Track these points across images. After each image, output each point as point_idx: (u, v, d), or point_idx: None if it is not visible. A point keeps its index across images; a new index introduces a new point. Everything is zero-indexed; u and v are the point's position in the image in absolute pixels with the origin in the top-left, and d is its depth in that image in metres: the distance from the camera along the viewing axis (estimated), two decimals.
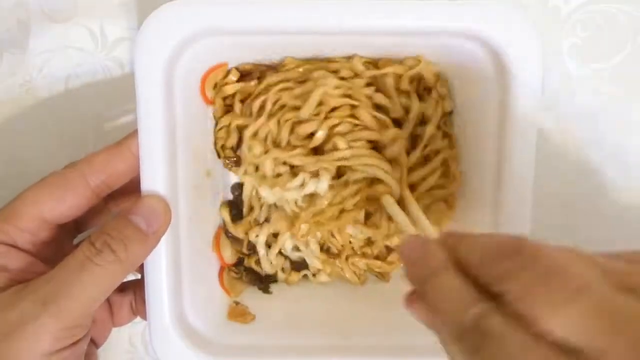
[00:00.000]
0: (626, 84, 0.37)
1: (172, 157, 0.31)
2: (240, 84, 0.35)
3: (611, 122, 0.38)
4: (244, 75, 0.36)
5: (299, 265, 0.38)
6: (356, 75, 0.35)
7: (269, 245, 0.37)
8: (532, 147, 0.31)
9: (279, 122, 0.34)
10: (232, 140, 0.36)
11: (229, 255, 0.38)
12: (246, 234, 0.37)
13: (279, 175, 0.36)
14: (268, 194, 0.36)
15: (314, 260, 0.38)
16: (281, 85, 0.34)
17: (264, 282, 0.38)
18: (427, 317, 0.24)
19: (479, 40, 0.31)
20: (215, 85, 0.35)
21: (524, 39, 0.30)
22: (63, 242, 0.32)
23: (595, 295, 0.19)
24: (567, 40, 0.37)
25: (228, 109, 0.36)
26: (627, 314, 0.19)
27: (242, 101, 0.36)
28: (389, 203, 0.34)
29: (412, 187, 0.36)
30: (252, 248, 0.38)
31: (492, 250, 0.21)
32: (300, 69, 0.35)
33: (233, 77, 0.35)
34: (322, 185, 0.35)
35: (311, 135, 0.34)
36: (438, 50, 0.33)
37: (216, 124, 0.36)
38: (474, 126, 0.34)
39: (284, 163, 0.35)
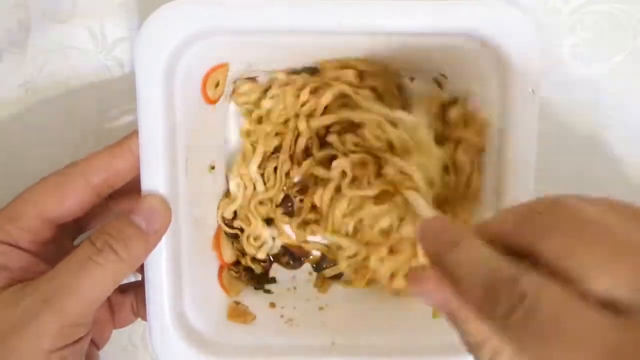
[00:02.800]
0: (626, 84, 0.38)
1: (172, 156, 0.31)
2: None
3: (611, 122, 0.38)
4: None
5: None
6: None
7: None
8: (532, 147, 0.31)
9: None
10: None
11: (229, 255, 0.38)
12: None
13: None
14: None
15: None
16: None
17: (260, 282, 0.38)
18: (439, 294, 0.22)
19: (479, 40, 0.31)
20: (217, 84, 0.35)
21: (524, 38, 0.30)
22: (64, 241, 0.32)
23: None
24: (567, 40, 0.37)
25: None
26: None
27: None
28: (415, 198, 0.32)
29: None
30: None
31: (525, 212, 0.20)
32: None
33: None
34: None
35: None
36: (438, 50, 0.33)
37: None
38: None
39: None
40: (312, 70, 0.36)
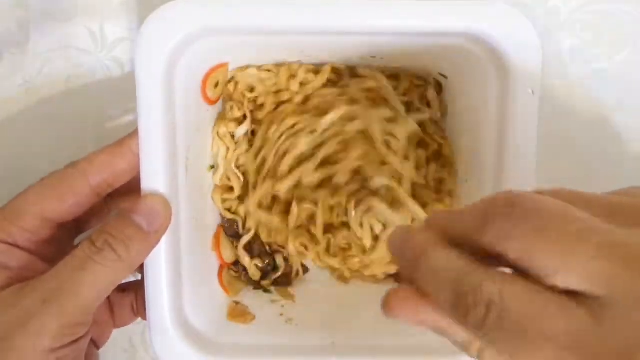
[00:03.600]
0: (626, 84, 0.38)
1: (172, 156, 0.31)
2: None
3: (611, 122, 0.38)
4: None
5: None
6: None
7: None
8: (532, 148, 0.31)
9: None
10: None
11: (229, 255, 0.38)
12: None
13: None
14: None
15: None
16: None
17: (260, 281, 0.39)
18: (417, 313, 0.22)
19: (479, 40, 0.31)
20: (216, 84, 0.35)
21: (523, 39, 0.30)
22: (64, 241, 0.32)
23: (597, 237, 0.18)
24: (567, 40, 0.37)
25: None
26: (634, 250, 0.17)
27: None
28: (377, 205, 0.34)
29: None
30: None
31: (482, 213, 0.20)
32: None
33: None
34: None
35: None
36: (438, 50, 0.33)
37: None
38: (473, 127, 0.34)
39: None
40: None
